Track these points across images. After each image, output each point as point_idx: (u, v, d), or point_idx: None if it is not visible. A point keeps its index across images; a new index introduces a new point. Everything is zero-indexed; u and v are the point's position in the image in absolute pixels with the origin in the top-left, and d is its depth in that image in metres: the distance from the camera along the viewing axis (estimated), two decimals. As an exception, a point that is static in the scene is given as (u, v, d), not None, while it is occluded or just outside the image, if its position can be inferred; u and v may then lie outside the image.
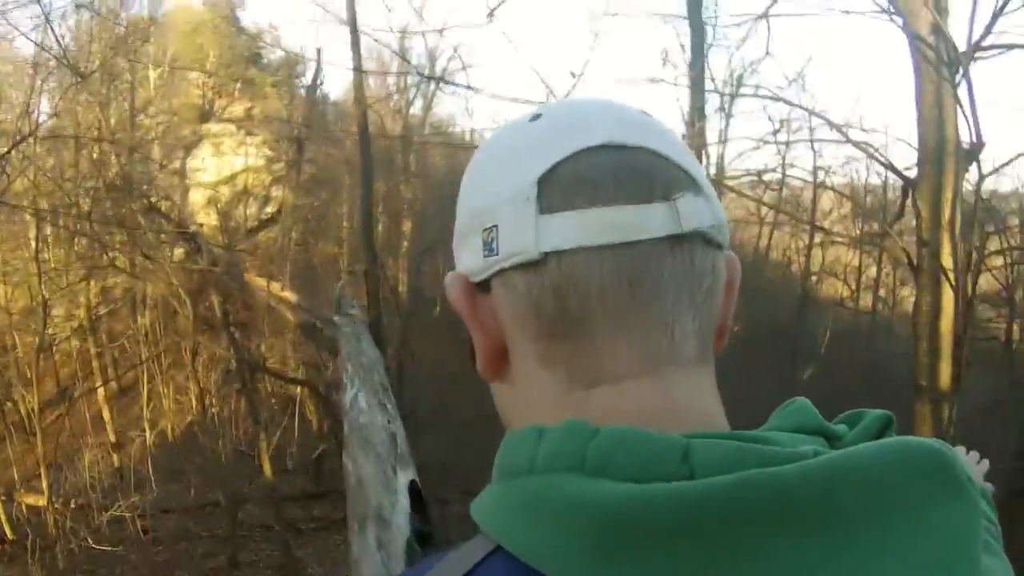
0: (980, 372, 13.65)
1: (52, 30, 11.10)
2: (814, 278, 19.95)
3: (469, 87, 16.08)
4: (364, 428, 7.07)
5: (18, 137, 11.38)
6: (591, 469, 0.62)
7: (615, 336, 0.71)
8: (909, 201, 8.30)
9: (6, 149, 10.99)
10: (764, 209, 18.06)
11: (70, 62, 11.54)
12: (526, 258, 0.71)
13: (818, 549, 0.56)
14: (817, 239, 18.23)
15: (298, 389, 14.85)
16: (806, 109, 7.34)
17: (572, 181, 0.71)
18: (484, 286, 0.76)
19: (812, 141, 7.99)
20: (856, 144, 7.16)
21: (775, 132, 12.01)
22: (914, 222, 8.64)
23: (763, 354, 14.43)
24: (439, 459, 11.68)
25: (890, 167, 7.52)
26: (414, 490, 6.02)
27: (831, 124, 7.04)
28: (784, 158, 14.98)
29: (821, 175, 15.31)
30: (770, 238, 20.72)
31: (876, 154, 7.35)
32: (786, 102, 7.32)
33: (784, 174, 14.96)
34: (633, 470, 0.61)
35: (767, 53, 8.01)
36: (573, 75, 7.59)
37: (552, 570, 0.60)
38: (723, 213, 0.76)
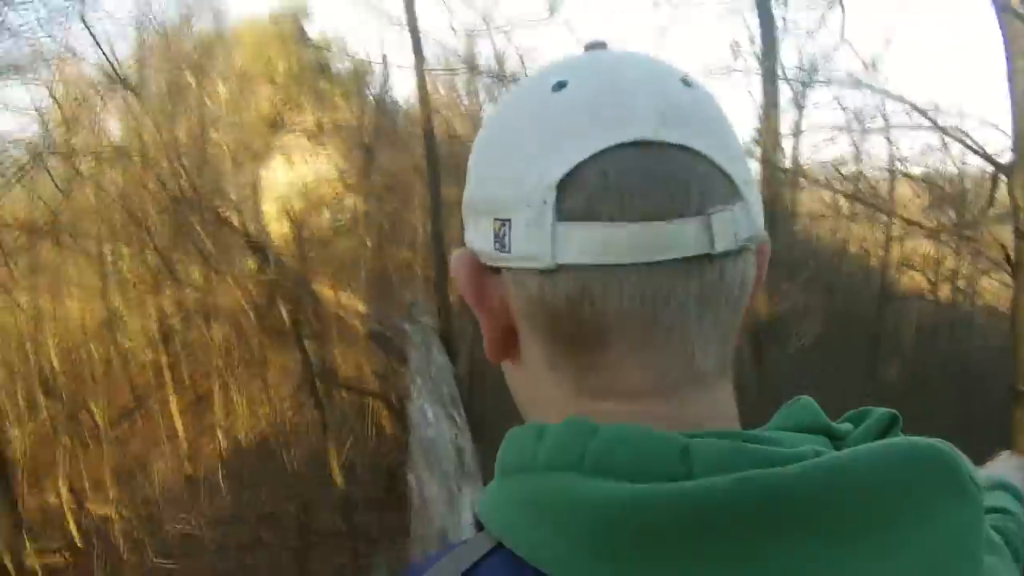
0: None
1: (100, 47, 10.87)
2: (893, 271, 19.23)
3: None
4: (430, 442, 6.78)
5: (87, 155, 11.23)
6: (590, 467, 0.61)
7: (630, 356, 0.68)
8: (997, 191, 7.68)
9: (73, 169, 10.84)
10: (841, 201, 17.60)
11: (122, 78, 11.34)
12: (540, 266, 0.66)
13: (818, 550, 0.55)
14: (896, 231, 17.74)
15: (373, 384, 14.54)
16: (889, 94, 6.71)
17: (597, 187, 0.65)
18: (494, 268, 0.72)
19: (892, 128, 7.40)
20: (945, 130, 6.55)
21: (852, 121, 11.40)
22: (991, 212, 8.06)
23: (843, 355, 13.84)
24: (495, 438, 11.23)
25: (983, 154, 6.89)
26: (480, 508, 5.64)
27: (916, 109, 6.43)
28: (858, 147, 14.34)
29: (899, 164, 14.83)
30: (848, 231, 19.99)
31: (967, 139, 6.71)
32: (870, 87, 6.70)
33: (861, 164, 14.34)
34: (632, 469, 0.60)
35: (842, 39, 7.40)
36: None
37: (551, 568, 0.59)
38: (761, 219, 0.71)
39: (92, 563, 11.17)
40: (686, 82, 0.71)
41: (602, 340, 0.68)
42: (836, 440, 0.73)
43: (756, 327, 10.77)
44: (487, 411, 11.72)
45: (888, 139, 14.71)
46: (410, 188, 19.19)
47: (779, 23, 12.46)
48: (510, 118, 0.73)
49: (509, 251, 0.69)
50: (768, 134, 11.56)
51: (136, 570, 11.22)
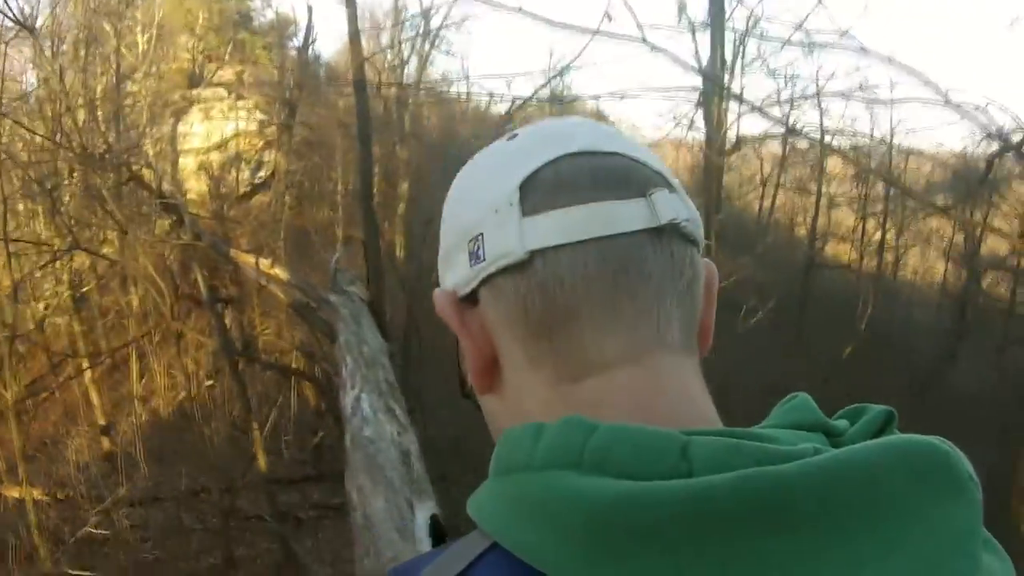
0: None
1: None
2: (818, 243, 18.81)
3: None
4: (370, 443, 5.69)
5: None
6: (589, 466, 0.61)
7: (601, 327, 0.71)
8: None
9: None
10: (767, 171, 17.10)
11: (25, 22, 10.06)
12: (513, 259, 0.71)
13: (817, 548, 0.55)
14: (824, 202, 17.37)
15: (295, 361, 13.47)
16: (898, 63, 5.76)
17: (553, 183, 0.73)
18: (471, 299, 0.77)
19: (894, 102, 6.46)
20: (957, 107, 5.66)
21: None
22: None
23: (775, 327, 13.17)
24: (448, 441, 10.82)
25: (999, 135, 6.03)
26: (435, 528, 4.77)
27: (928, 83, 5.52)
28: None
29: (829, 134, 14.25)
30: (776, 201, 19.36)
31: (979, 115, 5.85)
32: (878, 57, 5.73)
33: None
34: (631, 467, 0.60)
35: (819, 1, 6.46)
36: (609, 17, 6.25)
37: (549, 567, 0.59)
38: (696, 210, 0.77)
39: (7, 551, 9.96)
40: (611, 127, 0.83)
41: (573, 316, 0.71)
42: (834, 437, 0.71)
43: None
44: (424, 390, 10.80)
45: (820, 107, 14.00)
46: (332, 144, 18.44)
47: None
48: (473, 169, 0.82)
49: (484, 259, 0.73)
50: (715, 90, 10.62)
51: (51, 557, 10.02)
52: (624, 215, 0.71)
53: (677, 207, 0.73)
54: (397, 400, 6.57)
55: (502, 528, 0.64)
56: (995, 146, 6.50)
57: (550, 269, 0.71)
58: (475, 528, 0.68)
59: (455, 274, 0.78)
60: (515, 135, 0.81)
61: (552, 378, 0.73)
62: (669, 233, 0.72)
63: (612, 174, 0.73)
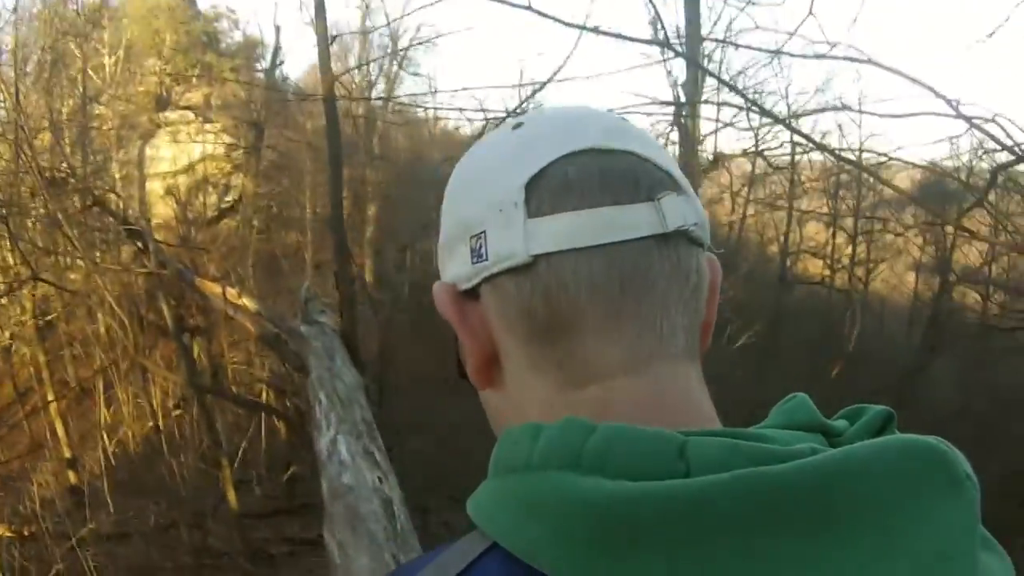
0: None
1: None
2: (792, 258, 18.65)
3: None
4: (349, 492, 5.17)
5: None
6: (587, 466, 0.61)
7: (605, 335, 0.70)
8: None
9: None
10: (736, 187, 16.82)
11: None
12: (516, 262, 0.70)
13: (814, 548, 0.54)
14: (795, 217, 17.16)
15: (265, 394, 12.90)
16: (900, 73, 5.29)
17: (560, 184, 0.71)
18: (472, 293, 0.76)
19: (898, 116, 6.02)
20: (969, 120, 5.25)
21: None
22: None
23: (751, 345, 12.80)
24: (422, 466, 10.27)
25: (1016, 149, 5.60)
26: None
27: (938, 95, 5.08)
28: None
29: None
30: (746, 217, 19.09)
31: (989, 128, 5.43)
32: (884, 67, 5.26)
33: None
34: (629, 467, 0.59)
35: (810, 13, 5.99)
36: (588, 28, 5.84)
37: (548, 567, 0.58)
38: (704, 212, 0.75)
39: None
40: (622, 118, 0.79)
41: (577, 323, 0.70)
42: (832, 437, 0.71)
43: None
44: (395, 407, 10.35)
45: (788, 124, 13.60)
46: (300, 168, 18.23)
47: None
48: (477, 159, 0.79)
49: (487, 259, 0.72)
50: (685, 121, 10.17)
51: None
52: (632, 221, 0.69)
53: (685, 212, 0.71)
54: (375, 441, 6.09)
55: (501, 528, 0.63)
56: (1004, 157, 6.08)
57: (554, 274, 0.69)
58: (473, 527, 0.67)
59: (456, 267, 0.76)
60: (520, 124, 0.77)
61: (554, 383, 0.72)
62: (676, 238, 0.71)
63: (621, 176, 0.71)
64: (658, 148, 0.76)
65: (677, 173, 0.75)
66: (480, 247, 0.72)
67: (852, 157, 7.87)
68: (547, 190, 0.70)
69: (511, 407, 0.76)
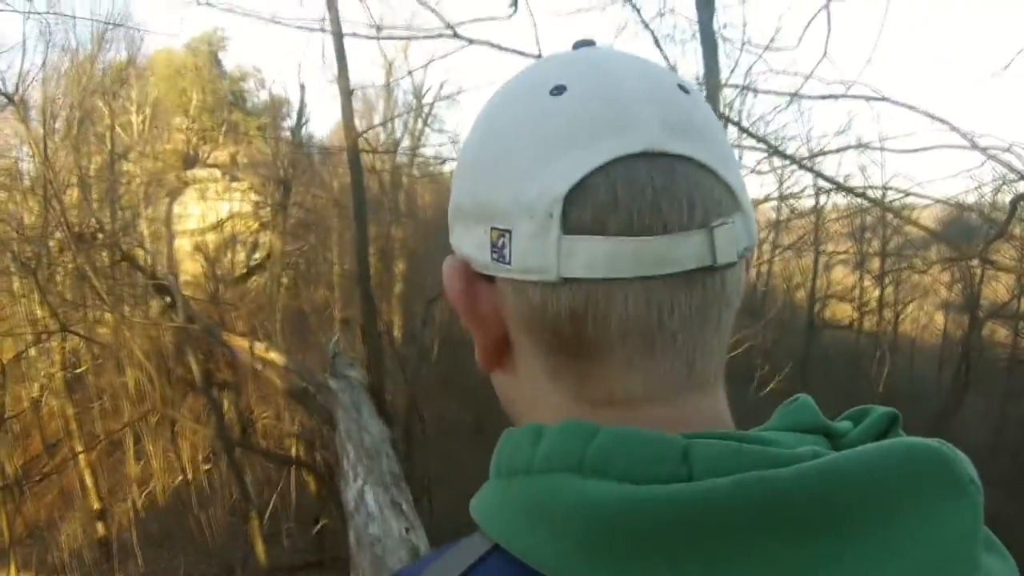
0: None
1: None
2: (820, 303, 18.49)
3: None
4: (376, 542, 5.09)
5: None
6: (589, 469, 0.59)
7: (633, 369, 0.66)
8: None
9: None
10: (763, 232, 16.75)
11: (9, 96, 9.62)
12: (544, 279, 0.64)
13: (816, 552, 0.53)
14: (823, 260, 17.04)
15: (295, 448, 12.83)
16: (915, 109, 5.24)
17: (605, 202, 0.62)
18: (487, 276, 0.69)
19: (915, 151, 5.93)
20: (985, 152, 5.18)
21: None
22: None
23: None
24: (449, 517, 9.95)
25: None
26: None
27: (953, 128, 5.02)
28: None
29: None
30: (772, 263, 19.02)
31: (1006, 158, 5.36)
32: (901, 104, 5.20)
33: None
34: (632, 470, 0.58)
35: (824, 55, 5.95)
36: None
37: (549, 570, 0.57)
38: (755, 228, 0.70)
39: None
40: (683, 88, 0.69)
41: (605, 351, 0.65)
42: (834, 439, 0.70)
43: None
44: (428, 472, 10.27)
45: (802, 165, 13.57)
46: (327, 225, 18.43)
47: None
48: (505, 121, 0.69)
49: (509, 263, 0.66)
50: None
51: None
52: (679, 254, 0.62)
53: (739, 239, 0.65)
54: (403, 492, 6.02)
55: (503, 530, 0.62)
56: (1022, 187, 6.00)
57: (584, 298, 0.63)
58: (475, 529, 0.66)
59: (470, 246, 0.69)
60: (563, 88, 0.65)
61: (570, 397, 0.68)
62: (725, 267, 0.64)
63: (675, 197, 0.63)
64: (720, 143, 0.69)
65: (736, 182, 0.68)
66: (503, 247, 0.66)
67: (874, 196, 7.75)
68: (589, 205, 0.62)
69: (523, 399, 0.73)
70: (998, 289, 17.12)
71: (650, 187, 0.62)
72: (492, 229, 0.66)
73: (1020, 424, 15.21)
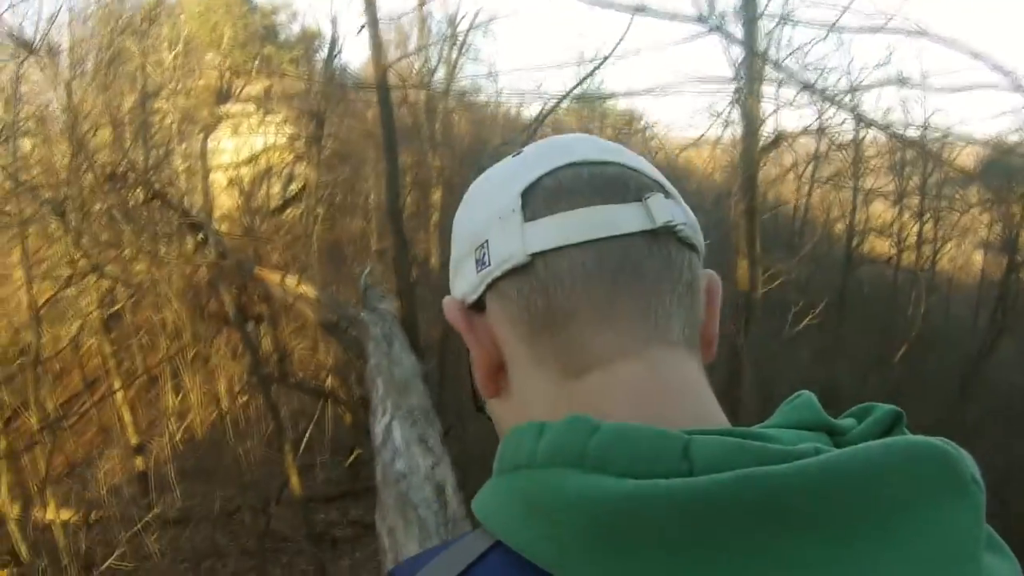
0: None
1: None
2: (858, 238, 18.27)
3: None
4: (402, 478, 5.06)
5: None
6: (591, 464, 0.60)
7: (601, 324, 0.72)
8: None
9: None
10: (801, 168, 16.54)
11: (32, 44, 9.60)
12: (515, 262, 0.73)
13: (816, 548, 0.54)
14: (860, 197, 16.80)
15: (329, 380, 12.89)
16: (955, 44, 5.07)
17: (552, 190, 0.74)
18: (479, 306, 0.78)
19: (956, 90, 5.76)
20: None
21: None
22: None
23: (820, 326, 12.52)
24: (481, 450, 9.99)
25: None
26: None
27: (994, 67, 4.86)
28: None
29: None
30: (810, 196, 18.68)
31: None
32: (941, 40, 5.04)
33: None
34: (632, 466, 0.59)
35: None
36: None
37: (551, 565, 0.59)
38: (693, 216, 0.78)
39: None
40: (616, 143, 0.82)
41: (574, 313, 0.71)
42: (837, 436, 0.71)
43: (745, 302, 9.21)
44: (456, 397, 10.24)
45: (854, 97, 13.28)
46: (363, 155, 18.26)
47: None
48: (482, 182, 0.84)
49: (489, 264, 0.75)
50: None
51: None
52: (620, 218, 0.72)
53: (673, 211, 0.74)
54: (432, 428, 5.99)
55: (505, 526, 0.63)
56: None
57: (551, 271, 0.72)
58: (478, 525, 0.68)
59: (463, 282, 0.80)
60: (521, 152, 0.83)
61: (556, 375, 0.73)
62: (665, 236, 0.74)
63: (609, 180, 0.75)
64: (645, 163, 0.80)
65: (666, 183, 0.79)
66: (484, 256, 0.76)
67: (913, 135, 7.59)
68: (541, 195, 0.75)
69: (515, 411, 0.78)
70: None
71: (588, 177, 0.75)
72: (476, 249, 0.77)
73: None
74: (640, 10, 5.90)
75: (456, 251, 0.82)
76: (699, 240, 0.78)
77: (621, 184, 0.75)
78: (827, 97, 8.18)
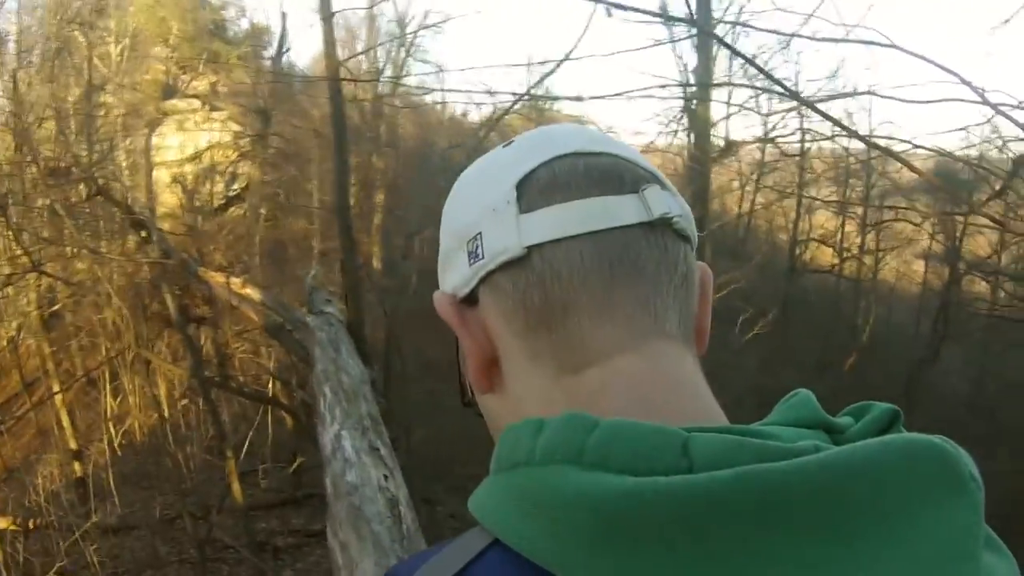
0: None
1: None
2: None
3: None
4: (354, 491, 4.94)
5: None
6: (590, 461, 0.60)
7: (599, 317, 0.71)
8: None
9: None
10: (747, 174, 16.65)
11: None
12: (511, 255, 0.72)
13: (816, 546, 0.54)
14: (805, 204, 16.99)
15: (271, 385, 12.72)
16: (925, 59, 5.04)
17: (548, 181, 0.74)
18: (471, 299, 0.77)
19: (924, 103, 5.71)
20: (995, 107, 5.01)
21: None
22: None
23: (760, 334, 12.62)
24: (430, 455, 10.23)
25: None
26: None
27: (963, 81, 4.82)
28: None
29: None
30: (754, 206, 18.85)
31: (1015, 115, 5.17)
32: (909, 52, 5.00)
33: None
34: (632, 463, 0.59)
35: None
36: (609, 12, 5.71)
37: (550, 563, 0.58)
38: (688, 208, 0.78)
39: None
40: (607, 133, 0.86)
41: (572, 307, 0.71)
42: (835, 434, 0.70)
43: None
44: (406, 412, 10.18)
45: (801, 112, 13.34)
46: (307, 155, 18.04)
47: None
48: (471, 174, 0.83)
49: (483, 257, 0.74)
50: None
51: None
52: (617, 209, 0.71)
53: (669, 203, 0.74)
54: (381, 438, 5.90)
55: (503, 523, 0.63)
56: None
57: (547, 263, 0.71)
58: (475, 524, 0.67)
59: (454, 275, 0.78)
60: (511, 143, 0.81)
61: (553, 371, 0.72)
62: (661, 228, 0.73)
63: (605, 172, 0.74)
64: (639, 155, 0.79)
65: (660, 174, 0.78)
66: (477, 248, 0.74)
67: (874, 142, 7.58)
68: (537, 187, 0.73)
69: (509, 407, 0.76)
70: (979, 243, 17.08)
71: (583, 169, 0.74)
72: (468, 242, 0.75)
73: (995, 377, 15.36)
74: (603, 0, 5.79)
75: (445, 244, 0.81)
76: (693, 232, 0.78)
77: (617, 175, 0.74)
78: (788, 92, 8.14)
